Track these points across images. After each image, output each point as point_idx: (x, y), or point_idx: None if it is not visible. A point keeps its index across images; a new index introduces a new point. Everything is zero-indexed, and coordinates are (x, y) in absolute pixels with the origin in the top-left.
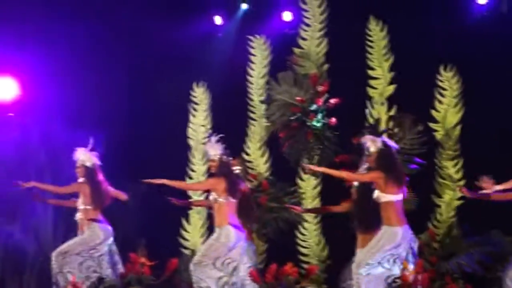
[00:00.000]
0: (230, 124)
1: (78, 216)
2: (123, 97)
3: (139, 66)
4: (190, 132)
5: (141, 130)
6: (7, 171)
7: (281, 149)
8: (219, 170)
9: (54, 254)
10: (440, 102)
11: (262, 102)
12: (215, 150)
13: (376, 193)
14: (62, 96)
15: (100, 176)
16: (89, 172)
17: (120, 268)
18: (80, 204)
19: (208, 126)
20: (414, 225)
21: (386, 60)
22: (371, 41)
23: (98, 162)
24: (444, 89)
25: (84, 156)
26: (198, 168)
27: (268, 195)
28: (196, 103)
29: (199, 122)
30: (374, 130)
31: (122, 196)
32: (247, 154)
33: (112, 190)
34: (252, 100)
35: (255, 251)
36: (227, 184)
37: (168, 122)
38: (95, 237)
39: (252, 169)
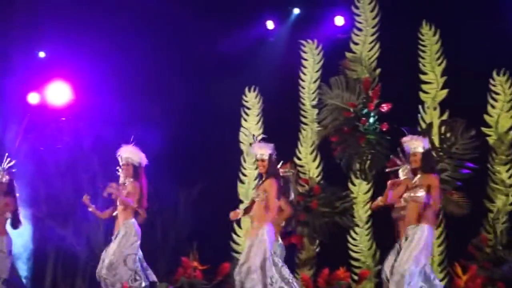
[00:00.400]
0: (282, 129)
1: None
2: (176, 102)
3: (191, 71)
4: (242, 136)
5: (193, 134)
6: (60, 174)
7: (333, 154)
8: (271, 170)
9: (104, 272)
10: (493, 106)
11: (314, 106)
12: (265, 150)
13: (422, 193)
14: (115, 101)
15: (144, 177)
16: (136, 171)
17: (151, 273)
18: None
19: (260, 131)
20: (467, 229)
21: (439, 65)
22: (424, 46)
23: (145, 161)
24: (497, 93)
25: (132, 154)
26: (249, 172)
27: (320, 200)
28: (248, 108)
29: (251, 127)
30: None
31: None
32: (299, 158)
33: None
34: (304, 104)
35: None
36: (278, 185)
37: (220, 127)
38: (130, 235)
39: (303, 173)
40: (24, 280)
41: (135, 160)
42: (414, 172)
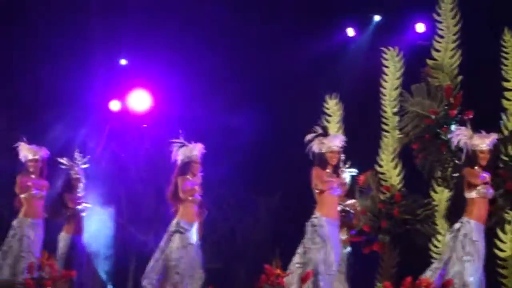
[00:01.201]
0: (362, 136)
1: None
2: (256, 110)
3: (272, 78)
4: None
5: (273, 141)
6: (141, 180)
7: (414, 161)
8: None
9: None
10: None
11: (395, 114)
12: (340, 142)
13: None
14: (195, 107)
15: None
16: None
17: None
18: None
19: None
20: None
21: None
22: (506, 52)
23: None
24: None
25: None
26: None
27: (401, 207)
28: (328, 115)
29: (331, 134)
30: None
31: None
32: (380, 166)
33: None
34: (385, 112)
35: None
36: None
37: (301, 134)
38: None
39: (385, 181)
40: (104, 276)
41: None
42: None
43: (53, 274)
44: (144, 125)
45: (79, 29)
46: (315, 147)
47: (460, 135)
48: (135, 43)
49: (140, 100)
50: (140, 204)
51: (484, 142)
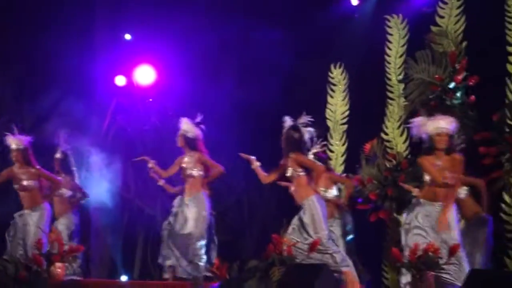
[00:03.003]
0: (368, 104)
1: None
2: (259, 82)
3: (276, 49)
4: (328, 113)
5: (278, 112)
6: (148, 155)
7: None
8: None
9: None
10: None
11: (400, 81)
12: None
13: None
14: (200, 82)
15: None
16: (188, 142)
17: None
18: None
19: (346, 107)
20: None
21: None
22: (510, 17)
23: (200, 136)
24: None
25: (187, 127)
26: (336, 148)
27: (408, 174)
28: (334, 84)
29: (337, 103)
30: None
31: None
32: (386, 133)
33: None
34: (390, 79)
35: None
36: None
37: (306, 103)
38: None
39: (391, 148)
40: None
41: (188, 132)
42: None
43: (61, 249)
44: (150, 99)
45: (83, 4)
46: None
47: (415, 125)
48: (139, 17)
49: (145, 75)
50: (147, 179)
51: (439, 124)
